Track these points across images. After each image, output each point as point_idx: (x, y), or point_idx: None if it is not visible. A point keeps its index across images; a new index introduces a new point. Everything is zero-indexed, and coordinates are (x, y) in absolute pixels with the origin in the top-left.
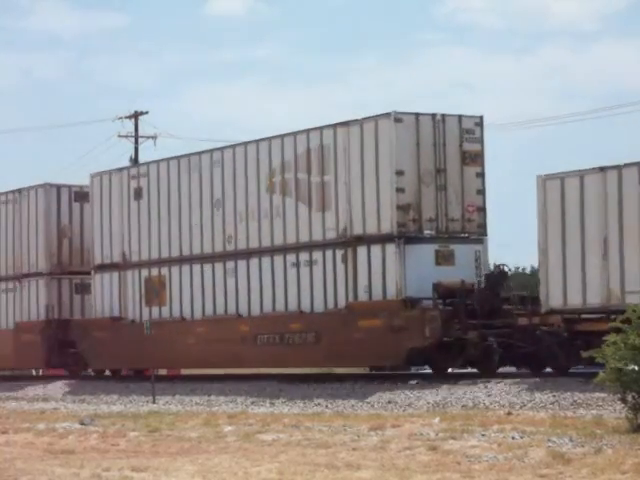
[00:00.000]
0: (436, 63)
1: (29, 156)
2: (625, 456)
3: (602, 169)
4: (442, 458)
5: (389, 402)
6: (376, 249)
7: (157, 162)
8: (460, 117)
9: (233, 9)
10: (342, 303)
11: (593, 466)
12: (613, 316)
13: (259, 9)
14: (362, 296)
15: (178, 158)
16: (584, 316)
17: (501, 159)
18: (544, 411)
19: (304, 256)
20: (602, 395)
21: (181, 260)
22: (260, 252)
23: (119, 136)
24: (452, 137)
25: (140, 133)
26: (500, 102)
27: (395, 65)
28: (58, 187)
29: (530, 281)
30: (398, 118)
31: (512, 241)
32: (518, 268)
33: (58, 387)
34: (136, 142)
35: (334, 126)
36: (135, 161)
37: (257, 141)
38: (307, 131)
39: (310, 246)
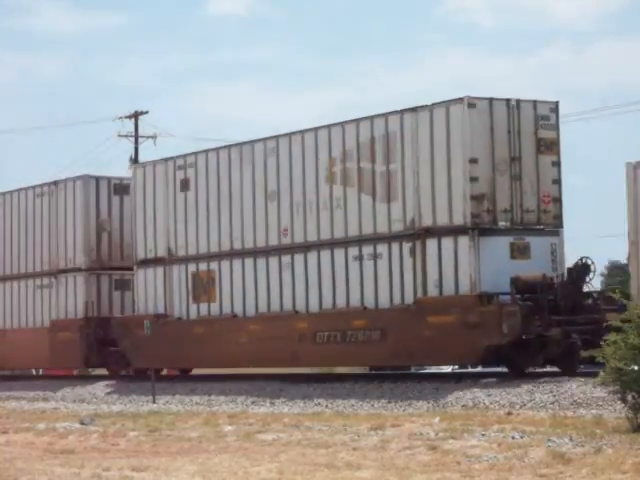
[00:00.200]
0: (436, 63)
1: (29, 156)
2: (625, 456)
3: None
4: (442, 458)
5: (389, 402)
6: (447, 241)
7: (205, 152)
8: (535, 102)
9: (233, 9)
10: (410, 298)
11: (593, 466)
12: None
13: (259, 9)
14: (432, 291)
15: (229, 147)
16: None
17: None
18: (544, 411)
19: (367, 249)
20: (602, 395)
21: (232, 254)
22: (319, 245)
23: (119, 136)
24: (527, 124)
25: (140, 133)
26: None
27: (395, 65)
28: (97, 179)
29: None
30: (471, 103)
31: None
32: None
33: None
34: (136, 142)
35: (400, 112)
36: (135, 161)
37: (315, 129)
38: (370, 118)
39: (374, 239)
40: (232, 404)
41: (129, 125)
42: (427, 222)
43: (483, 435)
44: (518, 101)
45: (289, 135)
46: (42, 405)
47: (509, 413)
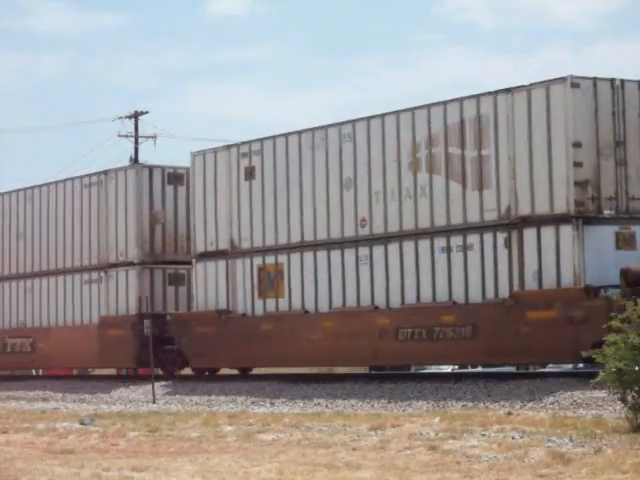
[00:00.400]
0: (436, 63)
1: (29, 156)
2: (625, 456)
3: None
4: (442, 458)
5: (389, 402)
6: (548, 231)
7: (273, 138)
8: None
9: (233, 9)
10: (505, 292)
11: (593, 466)
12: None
13: (259, 9)
14: (530, 284)
15: (299, 133)
16: None
17: None
18: (544, 411)
19: (456, 240)
20: (602, 395)
21: (303, 246)
22: (401, 236)
23: (119, 136)
24: (631, 105)
25: (140, 133)
26: None
27: (395, 65)
28: (150, 168)
29: None
30: (575, 83)
31: None
32: None
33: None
34: (136, 142)
35: (494, 94)
36: (135, 161)
37: (397, 112)
38: (460, 100)
39: (464, 229)
40: (232, 404)
41: (129, 125)
42: (524, 210)
43: (483, 435)
44: (622, 81)
45: (367, 119)
46: (42, 405)
47: (509, 413)
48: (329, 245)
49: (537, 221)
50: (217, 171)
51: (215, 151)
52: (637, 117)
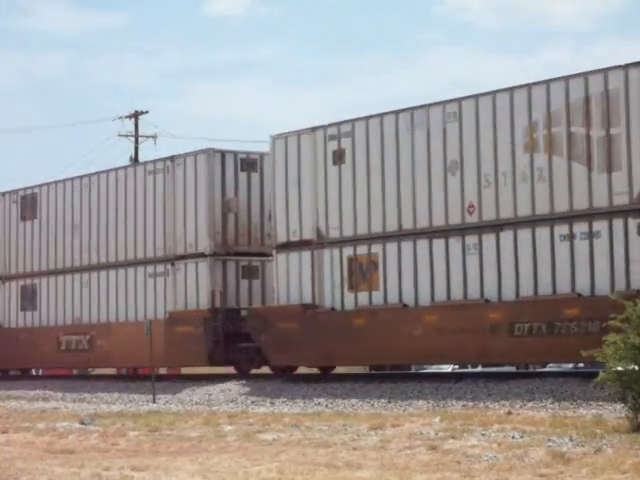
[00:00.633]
0: (436, 63)
1: (29, 156)
2: (625, 456)
3: None
4: (442, 457)
5: (389, 402)
6: None
7: (366, 118)
8: None
9: (232, 9)
10: (638, 283)
11: (593, 466)
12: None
13: (258, 9)
14: None
15: (396, 113)
16: None
17: None
18: (544, 411)
19: (580, 227)
20: (602, 395)
21: (400, 235)
22: (515, 223)
23: (119, 135)
24: None
25: (140, 132)
26: None
27: (395, 65)
28: (222, 153)
29: None
30: None
31: None
32: None
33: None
34: (136, 141)
35: (624, 67)
36: (135, 161)
37: (510, 89)
38: (584, 75)
39: (590, 214)
40: (232, 404)
41: (129, 125)
42: None
43: (483, 435)
44: None
45: (475, 97)
46: (42, 405)
47: (509, 413)
48: (431, 234)
49: None
50: (301, 155)
51: (298, 134)
52: None
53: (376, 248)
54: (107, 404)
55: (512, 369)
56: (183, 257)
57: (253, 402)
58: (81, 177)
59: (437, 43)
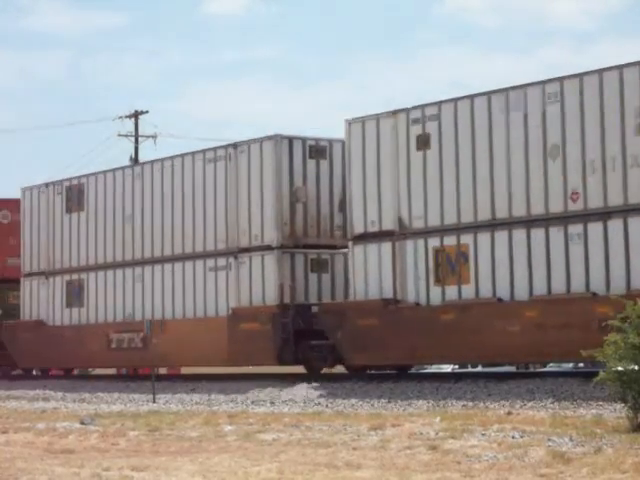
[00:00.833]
0: (436, 63)
1: (29, 156)
2: (625, 455)
3: None
4: (442, 457)
5: (389, 402)
6: None
7: (454, 101)
8: None
9: (231, 8)
10: None
11: (593, 465)
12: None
13: (257, 8)
14: None
15: (488, 94)
16: None
17: None
18: (544, 411)
19: None
20: (602, 395)
21: (493, 225)
22: (625, 211)
23: (119, 135)
24: None
25: (140, 132)
26: None
27: (395, 65)
28: (290, 139)
29: None
30: None
31: None
32: None
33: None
34: (136, 141)
35: None
36: (135, 161)
37: (620, 67)
38: None
39: None
40: (232, 404)
41: (129, 125)
42: None
43: (483, 435)
44: None
45: (579, 76)
46: (42, 405)
47: (509, 413)
48: (529, 223)
49: None
50: (380, 140)
51: (377, 118)
52: None
53: (466, 238)
54: (107, 404)
55: (512, 369)
56: (247, 250)
57: (253, 402)
58: (132, 166)
59: (437, 43)
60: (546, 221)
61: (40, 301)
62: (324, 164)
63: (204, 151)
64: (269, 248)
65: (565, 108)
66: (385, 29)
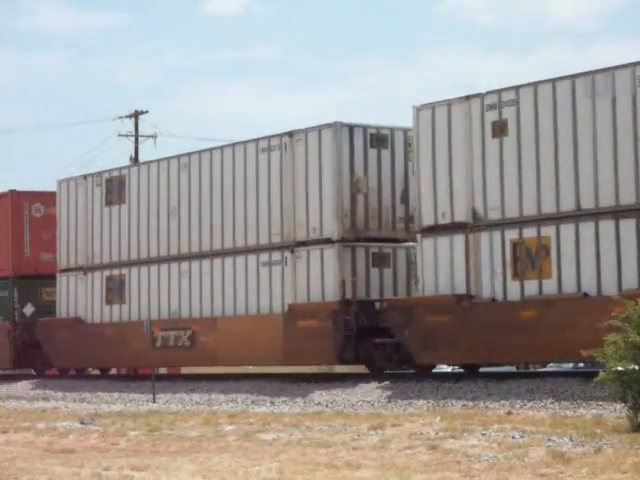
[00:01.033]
0: (436, 63)
1: (29, 156)
2: (625, 455)
3: None
4: (442, 457)
5: (389, 401)
6: None
7: (534, 84)
8: None
9: (230, 8)
10: None
11: (593, 465)
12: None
13: (256, 8)
14: None
15: (572, 78)
16: None
17: None
18: (544, 411)
19: None
20: (602, 395)
21: (577, 215)
22: None
23: (119, 135)
24: None
25: (140, 132)
26: None
27: (395, 65)
28: (351, 127)
29: None
30: None
31: None
32: None
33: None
34: (136, 141)
35: None
36: (135, 161)
37: None
38: None
39: None
40: (232, 404)
41: (129, 124)
42: None
43: (483, 435)
44: None
45: None
46: (42, 404)
47: (509, 413)
48: (617, 213)
49: None
50: (451, 127)
51: (449, 103)
52: None
53: (547, 230)
54: (107, 404)
55: (512, 369)
56: (304, 243)
57: (253, 402)
58: (179, 156)
59: (437, 43)
60: (637, 211)
61: (78, 297)
62: (385, 153)
63: (257, 140)
64: (329, 241)
65: None
66: (385, 29)
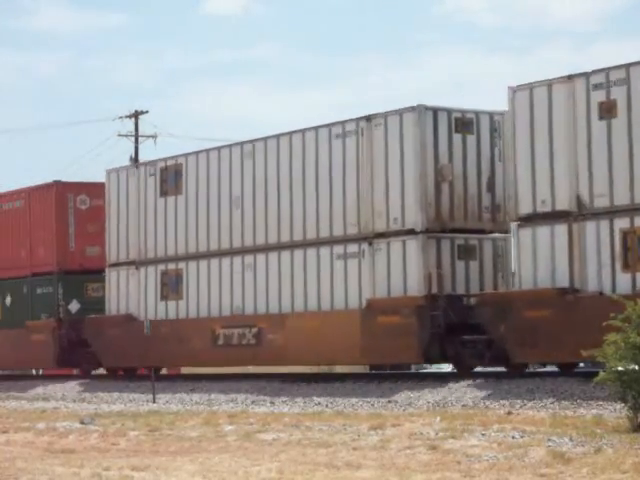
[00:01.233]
0: (436, 63)
1: (29, 156)
2: (625, 455)
3: None
4: (442, 457)
5: (389, 401)
6: None
7: None
8: None
9: (229, 9)
10: None
11: (593, 465)
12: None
13: (255, 8)
14: None
15: None
16: None
17: None
18: (544, 411)
19: None
20: (602, 395)
21: None
22: None
23: (119, 135)
24: None
25: (140, 132)
26: (500, 102)
27: (395, 65)
28: (434, 111)
29: None
30: None
31: None
32: None
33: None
34: (136, 141)
35: None
36: (135, 161)
37: None
38: None
39: None
40: (232, 404)
41: (129, 125)
42: None
43: (483, 435)
44: None
45: None
46: (42, 404)
47: (509, 413)
48: None
49: None
50: (552, 109)
51: (549, 83)
52: None
53: None
54: (107, 404)
55: None
56: (383, 234)
57: (253, 402)
58: (242, 143)
59: (437, 43)
60: None
61: (129, 293)
62: (471, 139)
63: (330, 126)
64: (412, 232)
65: None
66: (385, 29)
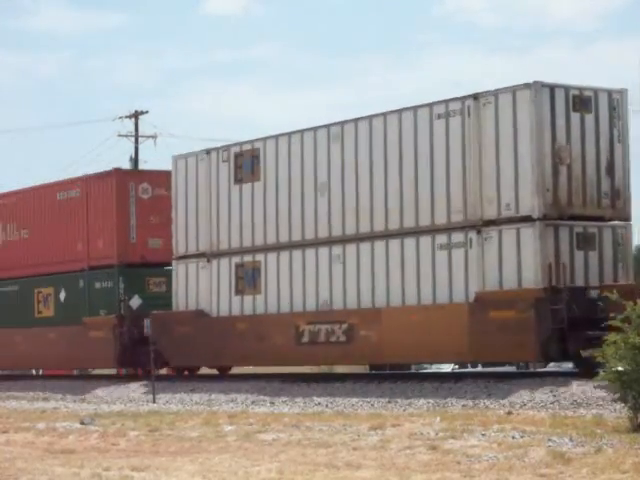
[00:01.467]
0: (436, 63)
1: (29, 156)
2: (625, 455)
3: None
4: (442, 457)
5: (389, 401)
6: None
7: None
8: None
9: (229, 9)
10: None
11: (593, 466)
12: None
13: (255, 8)
14: None
15: None
16: None
17: None
18: (544, 411)
19: None
20: (602, 395)
21: None
22: None
23: (119, 135)
24: None
25: (140, 132)
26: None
27: (395, 65)
28: (551, 88)
29: None
30: None
31: None
32: None
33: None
34: (136, 141)
35: None
36: (135, 161)
37: None
38: None
39: None
40: (232, 404)
41: (129, 125)
42: None
43: (483, 435)
44: None
45: None
46: (42, 405)
47: (509, 413)
48: None
49: None
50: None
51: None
52: None
53: None
54: (107, 404)
55: (512, 369)
56: (494, 222)
57: (253, 402)
58: (328, 126)
59: (436, 43)
60: None
61: (199, 288)
62: (589, 118)
63: (431, 105)
64: (527, 219)
65: None
66: (385, 29)
